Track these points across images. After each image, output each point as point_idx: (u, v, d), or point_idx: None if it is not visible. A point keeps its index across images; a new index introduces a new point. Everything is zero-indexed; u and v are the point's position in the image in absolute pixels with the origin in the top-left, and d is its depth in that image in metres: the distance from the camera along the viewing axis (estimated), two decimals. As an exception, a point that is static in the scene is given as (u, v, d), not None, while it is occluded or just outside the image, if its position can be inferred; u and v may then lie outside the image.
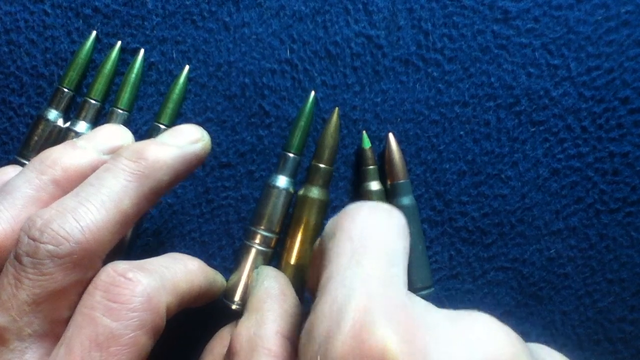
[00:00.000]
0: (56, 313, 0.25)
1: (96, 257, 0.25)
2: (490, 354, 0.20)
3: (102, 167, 0.27)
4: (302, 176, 0.34)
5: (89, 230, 0.25)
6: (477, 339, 0.21)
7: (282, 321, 0.27)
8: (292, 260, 0.33)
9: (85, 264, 0.25)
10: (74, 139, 0.30)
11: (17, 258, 0.24)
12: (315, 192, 0.33)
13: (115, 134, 0.30)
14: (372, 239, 0.23)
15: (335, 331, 0.20)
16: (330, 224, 0.25)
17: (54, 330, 0.25)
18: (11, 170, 0.30)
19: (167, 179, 0.28)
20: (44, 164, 0.28)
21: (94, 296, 0.24)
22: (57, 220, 0.24)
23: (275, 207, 0.32)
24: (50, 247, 0.24)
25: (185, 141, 0.29)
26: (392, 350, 0.19)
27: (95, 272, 0.25)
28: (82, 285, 0.25)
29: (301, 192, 0.33)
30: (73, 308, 0.25)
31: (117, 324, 0.24)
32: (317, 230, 0.32)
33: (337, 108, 0.33)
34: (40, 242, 0.24)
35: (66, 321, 0.25)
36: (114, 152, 0.29)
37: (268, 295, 0.28)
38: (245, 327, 0.26)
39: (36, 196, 0.27)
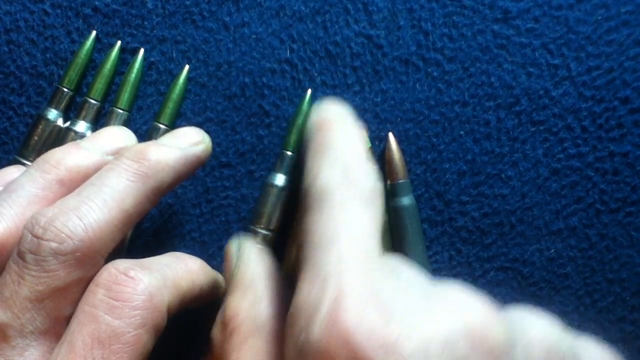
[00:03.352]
0: (58, 310, 0.25)
1: (99, 255, 0.25)
2: (465, 323, 0.21)
3: (105, 167, 0.28)
4: (301, 176, 0.34)
5: (91, 229, 0.25)
6: (452, 311, 0.22)
7: (276, 303, 0.27)
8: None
9: (88, 261, 0.25)
10: (78, 140, 0.30)
11: (20, 255, 0.24)
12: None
13: (119, 135, 0.31)
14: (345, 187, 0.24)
15: (312, 322, 0.21)
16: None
17: (56, 327, 0.25)
18: (15, 171, 0.30)
19: (169, 180, 0.28)
20: (48, 163, 0.28)
21: (96, 294, 0.24)
22: (61, 218, 0.25)
23: (274, 205, 0.32)
24: (53, 244, 0.24)
25: (186, 143, 0.29)
26: (360, 345, 0.20)
27: (97, 270, 0.25)
28: (84, 283, 0.25)
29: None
30: (75, 306, 0.25)
31: (119, 322, 0.24)
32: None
33: None
34: (44, 240, 0.24)
35: (68, 319, 0.25)
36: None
37: (259, 274, 0.28)
38: (242, 307, 0.26)
39: (40, 195, 0.27)
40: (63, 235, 0.24)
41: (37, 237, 0.24)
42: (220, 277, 0.32)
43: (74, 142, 0.30)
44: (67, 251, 0.24)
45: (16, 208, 0.27)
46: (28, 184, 0.27)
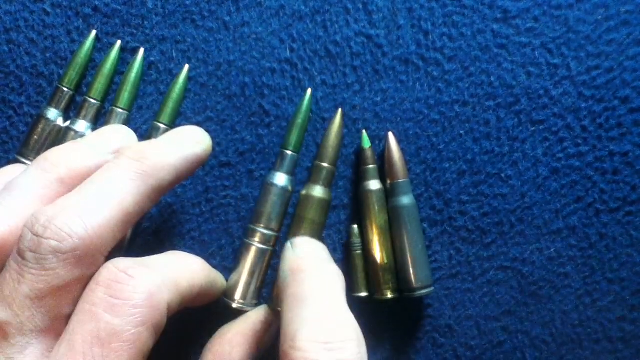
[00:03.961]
0: (58, 309, 0.25)
1: (98, 253, 0.25)
2: None
3: (105, 166, 0.27)
4: (300, 175, 0.34)
5: (91, 227, 0.25)
6: None
7: None
8: None
9: (88, 260, 0.25)
10: (79, 139, 0.30)
11: (20, 253, 0.24)
12: (318, 191, 0.32)
13: (119, 134, 0.31)
14: None
15: None
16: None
17: (56, 326, 0.25)
18: (15, 169, 0.30)
19: (169, 179, 0.28)
20: (49, 162, 0.28)
21: (96, 292, 0.24)
22: (61, 216, 0.24)
23: (274, 204, 0.32)
24: (53, 242, 0.24)
25: (187, 142, 0.29)
26: None
27: (97, 268, 0.25)
28: (84, 282, 0.25)
29: (304, 191, 0.33)
30: (75, 304, 0.25)
31: (118, 320, 0.24)
32: (319, 230, 0.32)
33: (340, 109, 0.34)
34: (44, 238, 0.24)
35: (68, 317, 0.25)
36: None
37: None
38: None
39: (41, 194, 0.27)
40: (63, 233, 0.24)
41: (37, 236, 0.24)
42: (220, 277, 0.32)
43: (74, 141, 0.30)
44: (67, 249, 0.24)
45: (17, 207, 0.27)
46: (28, 182, 0.27)
